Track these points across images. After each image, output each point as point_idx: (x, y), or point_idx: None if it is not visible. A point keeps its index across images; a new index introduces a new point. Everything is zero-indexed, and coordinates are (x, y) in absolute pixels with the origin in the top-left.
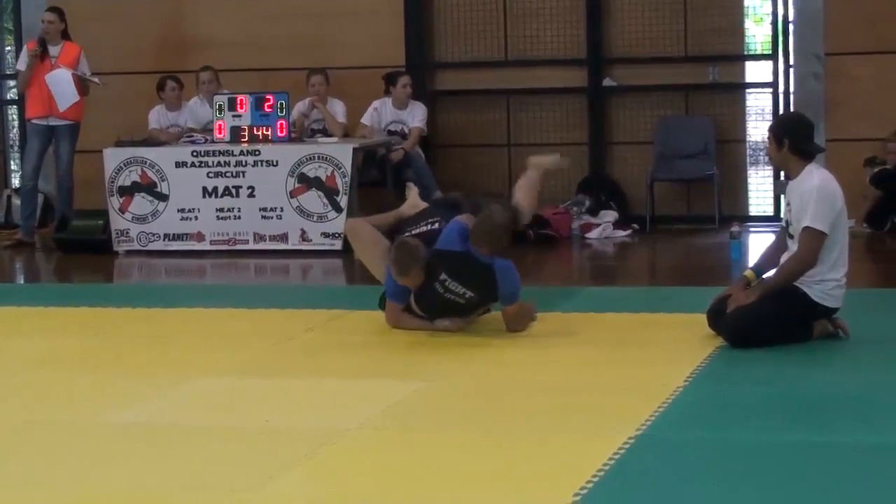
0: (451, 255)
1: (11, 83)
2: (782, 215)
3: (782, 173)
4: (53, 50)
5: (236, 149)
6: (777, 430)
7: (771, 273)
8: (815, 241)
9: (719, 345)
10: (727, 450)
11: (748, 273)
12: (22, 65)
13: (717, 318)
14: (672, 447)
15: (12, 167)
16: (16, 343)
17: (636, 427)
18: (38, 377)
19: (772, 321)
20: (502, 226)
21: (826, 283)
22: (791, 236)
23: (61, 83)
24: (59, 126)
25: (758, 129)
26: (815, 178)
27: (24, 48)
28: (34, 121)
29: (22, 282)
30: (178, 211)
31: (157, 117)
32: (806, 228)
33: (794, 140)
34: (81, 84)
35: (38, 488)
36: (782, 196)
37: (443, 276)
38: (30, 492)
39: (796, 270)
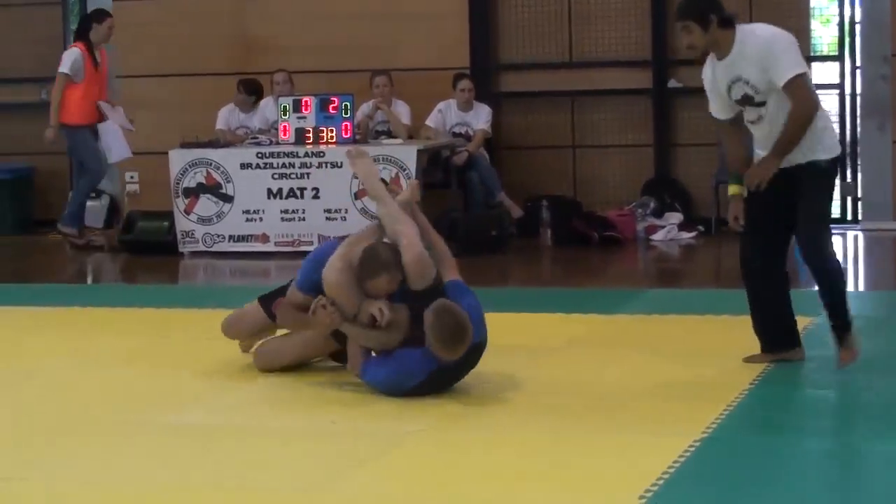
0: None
1: None
2: (730, 95)
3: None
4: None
5: (301, 150)
6: (843, 435)
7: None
8: (806, 83)
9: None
10: (793, 453)
11: (734, 188)
12: (67, 68)
13: (756, 267)
14: (738, 450)
15: None
16: (83, 343)
17: (702, 429)
18: (104, 377)
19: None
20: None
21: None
22: (761, 104)
23: (113, 137)
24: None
25: None
26: (759, 34)
27: (77, 52)
28: (86, 125)
29: (89, 283)
30: (243, 212)
31: (227, 116)
32: (791, 80)
33: (718, 12)
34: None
35: (104, 487)
36: (849, 198)
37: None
38: (95, 491)
39: (807, 115)
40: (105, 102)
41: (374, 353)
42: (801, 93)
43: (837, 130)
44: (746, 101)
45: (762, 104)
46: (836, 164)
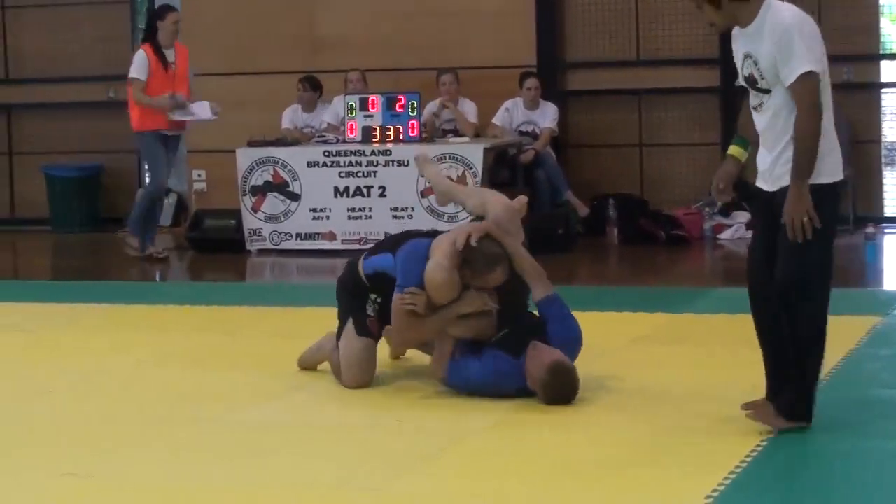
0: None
1: None
2: (740, 71)
3: None
4: (169, 54)
5: (368, 149)
6: None
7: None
8: (811, 83)
9: (855, 346)
10: (861, 453)
11: (734, 148)
12: (141, 73)
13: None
14: (805, 450)
15: None
16: (150, 341)
17: (770, 429)
18: (171, 375)
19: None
20: None
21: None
22: (765, 91)
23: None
24: (173, 135)
25: (893, 130)
26: (783, 15)
27: (142, 55)
28: (159, 131)
29: (157, 280)
30: (310, 210)
31: (291, 117)
32: (799, 78)
33: None
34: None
35: (170, 484)
36: None
37: None
38: (161, 488)
39: (813, 127)
40: (182, 97)
41: (455, 356)
42: (808, 98)
43: None
44: (750, 82)
45: (766, 91)
46: (836, 190)
